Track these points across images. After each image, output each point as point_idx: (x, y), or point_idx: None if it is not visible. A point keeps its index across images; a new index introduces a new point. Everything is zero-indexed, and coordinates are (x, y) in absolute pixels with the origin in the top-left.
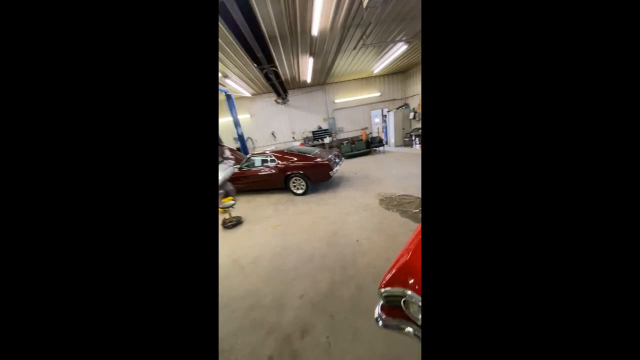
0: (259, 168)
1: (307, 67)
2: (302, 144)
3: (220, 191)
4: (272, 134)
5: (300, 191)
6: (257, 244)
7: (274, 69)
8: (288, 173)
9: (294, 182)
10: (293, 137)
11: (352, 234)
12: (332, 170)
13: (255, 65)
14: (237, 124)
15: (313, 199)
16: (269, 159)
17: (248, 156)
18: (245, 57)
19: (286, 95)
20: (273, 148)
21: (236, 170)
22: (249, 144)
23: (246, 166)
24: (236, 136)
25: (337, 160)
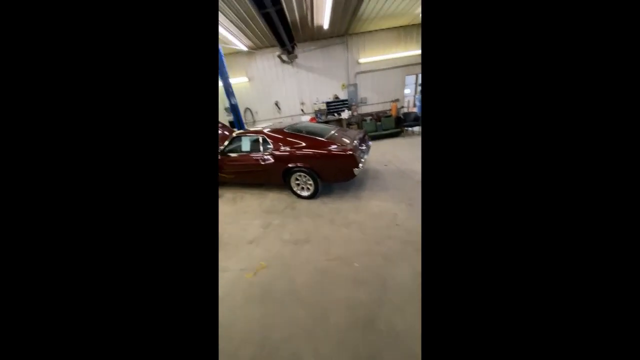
0: (248, 154)
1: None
2: (312, 120)
3: None
4: (276, 104)
5: (305, 193)
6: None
7: None
8: (289, 165)
9: (297, 179)
10: (302, 110)
11: (416, 336)
12: (357, 166)
13: None
14: (228, 89)
15: (324, 207)
16: (261, 140)
17: (233, 135)
18: None
19: (293, 48)
20: (273, 125)
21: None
22: (247, 117)
23: (229, 150)
24: (227, 106)
25: (363, 146)
